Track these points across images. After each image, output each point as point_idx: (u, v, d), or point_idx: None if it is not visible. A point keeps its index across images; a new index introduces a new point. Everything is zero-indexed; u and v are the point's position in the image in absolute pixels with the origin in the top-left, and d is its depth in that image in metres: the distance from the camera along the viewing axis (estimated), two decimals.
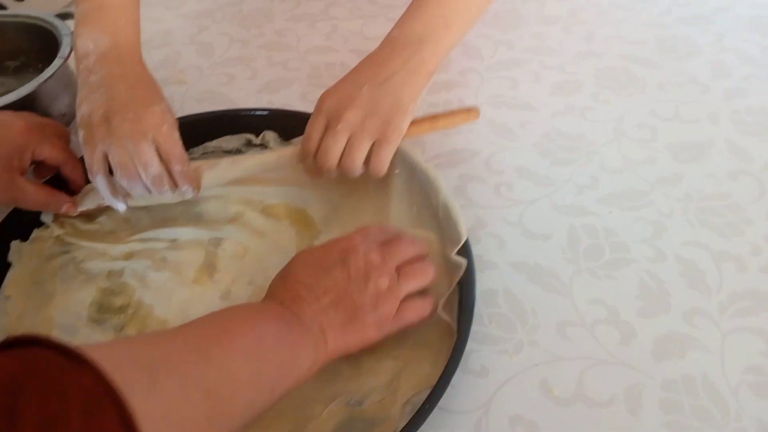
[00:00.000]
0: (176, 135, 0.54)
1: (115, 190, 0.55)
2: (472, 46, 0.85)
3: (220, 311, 0.41)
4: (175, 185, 0.55)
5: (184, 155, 0.55)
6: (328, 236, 0.58)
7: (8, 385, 0.25)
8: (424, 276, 0.49)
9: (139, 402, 0.28)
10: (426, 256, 0.51)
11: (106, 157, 0.53)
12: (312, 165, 0.56)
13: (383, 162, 0.54)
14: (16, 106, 0.62)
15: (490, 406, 0.48)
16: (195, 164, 0.57)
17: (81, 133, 0.53)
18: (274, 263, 0.56)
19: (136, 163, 0.52)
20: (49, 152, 0.57)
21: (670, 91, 0.76)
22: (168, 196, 0.56)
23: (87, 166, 0.54)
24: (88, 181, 0.57)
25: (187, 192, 0.56)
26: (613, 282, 0.56)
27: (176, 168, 0.54)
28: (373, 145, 0.53)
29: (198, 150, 0.67)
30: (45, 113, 0.67)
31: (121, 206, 0.56)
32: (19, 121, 0.56)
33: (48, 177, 0.60)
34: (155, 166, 0.53)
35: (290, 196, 0.62)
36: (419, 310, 0.48)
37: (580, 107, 0.74)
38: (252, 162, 0.59)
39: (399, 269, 0.48)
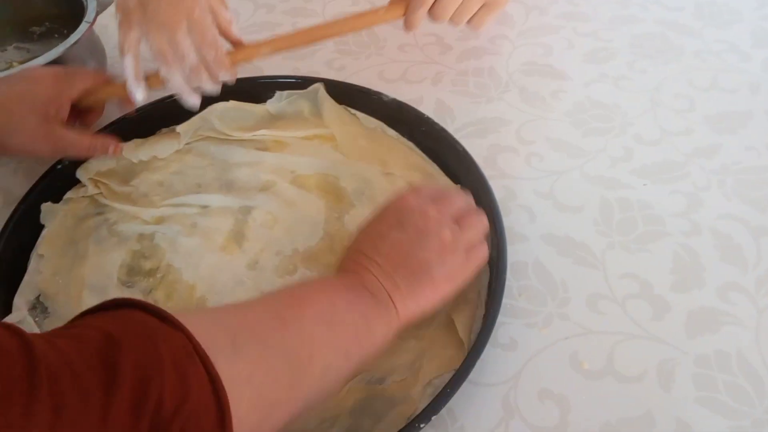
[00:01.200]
0: (208, 19, 0.52)
1: (139, 76, 0.53)
2: (504, 12, 0.82)
3: (292, 285, 0.43)
4: (214, 76, 0.53)
5: (215, 40, 0.52)
6: (361, 211, 0.57)
7: (108, 342, 0.27)
8: (481, 224, 0.49)
9: (223, 365, 0.29)
10: (476, 208, 0.51)
11: (139, 41, 0.52)
12: (417, 17, 0.57)
13: (484, 22, 0.58)
14: None
15: (519, 379, 0.48)
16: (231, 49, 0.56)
17: (118, 17, 0.52)
18: (302, 235, 0.56)
19: (174, 53, 0.51)
20: (82, 85, 0.55)
21: (708, 60, 0.73)
22: (209, 86, 0.54)
23: (119, 46, 0.52)
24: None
25: (224, 77, 0.54)
26: (647, 256, 0.55)
27: (209, 54, 0.52)
28: (481, 8, 0.57)
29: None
30: None
31: (139, 95, 0.54)
32: (47, 71, 0.55)
33: (95, 121, 0.60)
34: (192, 57, 0.51)
35: (323, 166, 0.61)
36: (481, 253, 0.48)
37: (614, 76, 0.72)
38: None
39: (457, 220, 0.48)
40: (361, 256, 0.45)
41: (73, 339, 0.27)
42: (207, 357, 0.29)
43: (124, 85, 0.54)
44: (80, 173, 0.60)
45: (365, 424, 0.45)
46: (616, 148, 0.64)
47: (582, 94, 0.70)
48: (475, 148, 0.60)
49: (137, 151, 0.63)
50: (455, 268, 0.46)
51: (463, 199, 0.50)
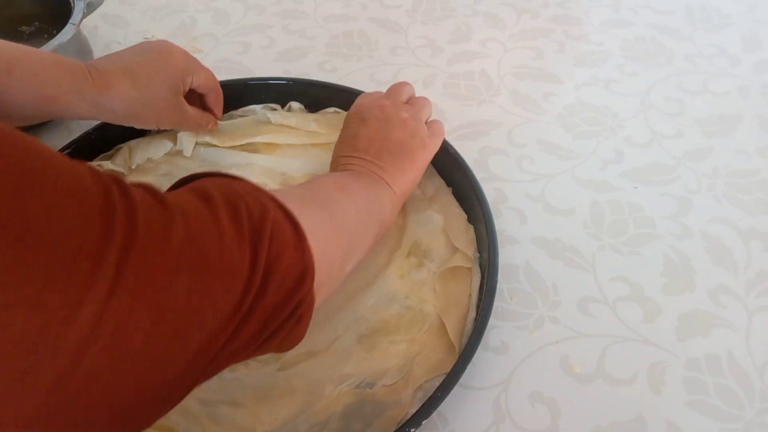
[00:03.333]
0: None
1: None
2: (495, 15, 0.82)
3: (316, 179, 0.48)
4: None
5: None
6: None
7: (190, 185, 0.33)
8: (427, 103, 0.57)
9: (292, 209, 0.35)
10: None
11: None
12: None
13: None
14: None
15: (510, 382, 0.47)
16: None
17: None
18: None
19: None
20: (204, 78, 0.58)
21: (699, 63, 0.74)
22: None
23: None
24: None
25: None
26: (637, 258, 0.55)
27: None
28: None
29: (225, 118, 0.66)
30: None
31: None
32: (177, 47, 0.57)
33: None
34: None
35: (313, 168, 0.61)
36: (441, 124, 0.56)
37: (605, 79, 0.72)
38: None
39: (408, 104, 0.56)
40: (344, 158, 0.51)
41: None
42: (274, 195, 0.35)
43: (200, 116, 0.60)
44: (99, 163, 0.60)
45: (355, 428, 0.44)
46: (607, 150, 0.64)
47: (573, 96, 0.70)
48: (467, 151, 0.60)
49: (131, 157, 0.62)
50: (424, 137, 0.53)
51: (408, 88, 0.57)
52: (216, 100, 0.61)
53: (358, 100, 0.56)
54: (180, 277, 0.27)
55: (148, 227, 0.26)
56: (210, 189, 0.31)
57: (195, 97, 0.60)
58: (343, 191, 0.45)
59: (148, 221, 0.26)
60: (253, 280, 0.30)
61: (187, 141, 0.63)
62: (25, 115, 0.51)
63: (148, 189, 0.28)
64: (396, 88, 0.57)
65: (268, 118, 0.65)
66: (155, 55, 0.55)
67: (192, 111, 0.58)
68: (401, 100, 0.56)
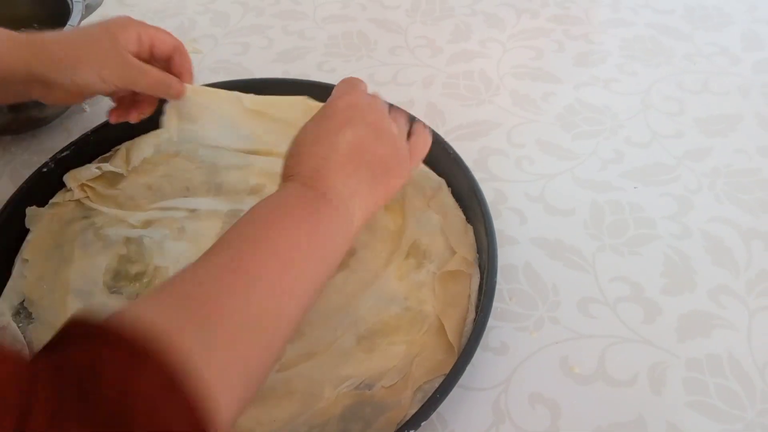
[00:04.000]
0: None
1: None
2: (494, 15, 0.82)
3: (246, 221, 0.39)
4: None
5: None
6: None
7: (82, 374, 0.26)
8: (404, 113, 0.49)
9: (199, 363, 0.28)
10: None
11: None
12: None
13: None
14: None
15: (510, 383, 0.47)
16: None
17: None
18: None
19: None
20: (158, 35, 0.53)
21: (699, 63, 0.73)
22: None
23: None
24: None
25: None
26: (638, 258, 0.54)
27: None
28: None
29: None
30: None
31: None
32: (127, 17, 0.54)
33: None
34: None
35: None
36: (425, 138, 0.48)
37: (605, 79, 0.72)
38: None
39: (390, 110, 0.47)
40: (317, 159, 0.42)
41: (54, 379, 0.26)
42: (182, 385, 0.28)
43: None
44: (67, 179, 0.59)
45: (354, 430, 0.44)
46: (607, 150, 0.64)
47: (572, 96, 0.70)
48: (466, 151, 0.60)
49: (129, 157, 0.62)
50: (406, 159, 0.45)
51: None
52: (181, 62, 0.55)
53: (351, 93, 0.46)
54: None
55: None
56: (99, 392, 0.26)
57: (160, 66, 0.55)
58: (290, 268, 0.37)
59: None
60: None
61: (169, 122, 0.59)
62: None
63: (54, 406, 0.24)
64: (376, 94, 0.48)
65: (243, 103, 0.64)
66: (100, 23, 0.53)
67: (144, 65, 0.52)
68: (383, 102, 0.48)
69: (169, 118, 0.59)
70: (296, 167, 0.43)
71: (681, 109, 0.68)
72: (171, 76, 0.54)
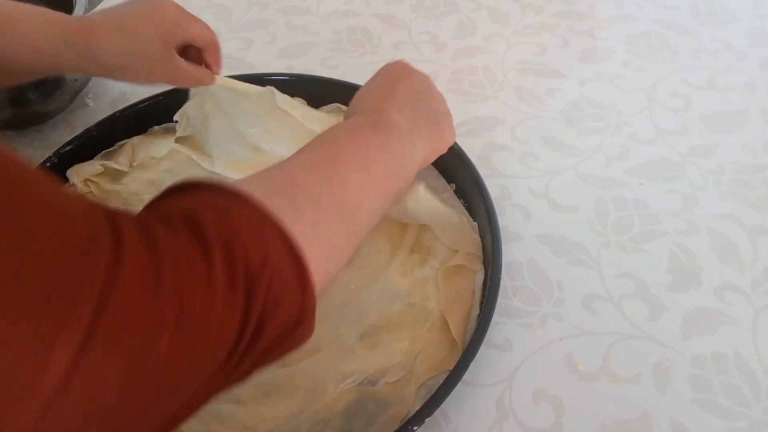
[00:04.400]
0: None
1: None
2: (499, 10, 0.82)
3: (322, 135, 0.42)
4: None
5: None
6: None
7: (189, 215, 0.29)
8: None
9: (288, 225, 0.31)
10: None
11: None
12: None
13: None
14: None
15: (513, 380, 0.47)
16: None
17: None
18: None
19: None
20: (199, 31, 0.55)
21: (704, 59, 0.73)
22: None
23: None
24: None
25: None
26: (643, 255, 0.54)
27: None
28: None
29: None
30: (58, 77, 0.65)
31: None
32: (170, 1, 0.55)
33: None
34: None
35: None
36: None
37: (610, 74, 0.71)
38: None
39: None
40: (380, 102, 0.46)
41: (159, 217, 0.28)
42: (277, 220, 0.31)
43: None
44: (71, 174, 0.59)
45: (357, 426, 0.44)
46: (612, 147, 0.63)
47: (577, 92, 0.70)
48: (470, 147, 0.59)
49: (134, 154, 0.62)
50: (452, 124, 0.49)
51: None
52: (214, 56, 0.58)
53: (404, 62, 0.51)
54: (161, 333, 0.24)
55: (133, 276, 0.24)
56: (207, 224, 0.28)
57: (193, 54, 0.57)
58: (365, 171, 0.40)
59: (135, 269, 0.24)
60: (243, 336, 0.28)
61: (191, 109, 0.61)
62: (12, 70, 0.49)
63: (143, 231, 0.26)
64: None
65: (275, 99, 0.64)
66: (144, 7, 0.53)
67: (187, 66, 0.55)
68: None
69: (193, 104, 0.61)
70: (363, 109, 0.46)
71: (687, 105, 0.67)
72: (204, 69, 0.57)
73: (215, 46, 0.57)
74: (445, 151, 0.48)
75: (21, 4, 0.50)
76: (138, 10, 0.53)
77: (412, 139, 0.44)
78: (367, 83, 0.49)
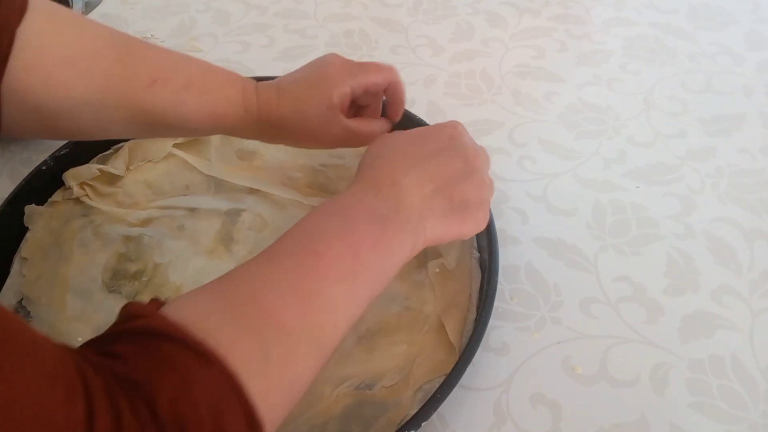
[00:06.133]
0: None
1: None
2: (496, 14, 0.82)
3: (306, 222, 0.38)
4: None
5: None
6: None
7: (143, 380, 0.26)
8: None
9: (255, 382, 0.29)
10: None
11: None
12: None
13: None
14: None
15: (511, 384, 0.47)
16: None
17: None
18: None
19: None
20: (372, 79, 0.50)
21: (702, 63, 0.73)
22: None
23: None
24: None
25: None
26: (640, 259, 0.54)
27: None
28: None
29: None
30: None
31: None
32: (337, 57, 0.52)
33: (372, 117, 0.54)
34: None
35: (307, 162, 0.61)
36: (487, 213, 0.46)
37: (607, 78, 0.72)
38: None
39: None
40: (400, 172, 0.41)
41: (121, 382, 0.27)
42: (241, 389, 0.28)
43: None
44: (67, 177, 0.59)
45: (354, 430, 0.44)
46: (609, 150, 0.63)
47: (575, 96, 0.70)
48: None
49: (131, 158, 0.62)
50: (483, 214, 0.44)
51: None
52: (394, 98, 0.53)
53: (457, 126, 0.46)
54: None
55: None
56: (162, 402, 0.26)
57: (374, 106, 0.53)
58: (350, 282, 0.36)
59: None
60: None
61: None
62: (193, 129, 0.49)
63: (111, 402, 0.25)
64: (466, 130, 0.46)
65: None
66: (313, 68, 0.51)
67: (356, 126, 0.50)
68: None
69: None
70: (375, 172, 0.42)
71: (684, 108, 0.67)
72: (376, 122, 0.53)
73: (395, 87, 0.52)
74: (464, 237, 0.44)
75: (212, 67, 0.49)
76: (306, 73, 0.51)
77: (419, 225, 0.40)
78: (399, 138, 0.44)
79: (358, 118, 0.52)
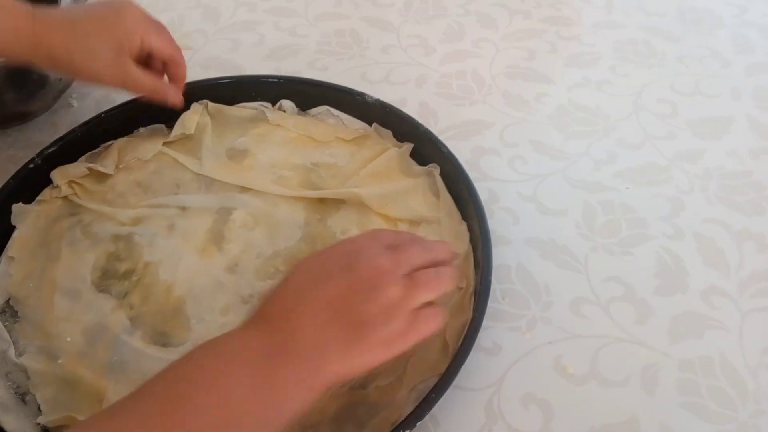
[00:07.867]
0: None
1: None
2: (487, 15, 0.82)
3: (184, 362, 0.35)
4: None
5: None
6: (345, 213, 0.57)
7: None
8: (438, 284, 0.40)
9: None
10: (445, 261, 0.42)
11: None
12: None
13: None
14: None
15: (502, 383, 0.47)
16: None
17: None
18: (283, 236, 0.55)
19: None
20: (158, 43, 0.55)
21: (690, 65, 0.74)
22: None
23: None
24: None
25: None
26: (630, 259, 0.54)
27: None
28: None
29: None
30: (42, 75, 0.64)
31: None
32: (135, 6, 0.55)
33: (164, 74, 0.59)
34: None
35: (304, 158, 0.62)
36: (432, 322, 0.39)
37: (597, 80, 0.72)
38: None
39: (411, 276, 0.39)
40: (294, 300, 0.38)
41: None
42: None
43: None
44: (55, 175, 0.58)
45: (348, 430, 0.44)
46: (599, 151, 0.64)
47: (565, 97, 0.70)
48: (459, 151, 0.59)
49: (120, 157, 0.61)
50: (394, 334, 0.38)
51: (426, 252, 0.41)
52: (175, 72, 0.57)
53: (359, 239, 0.42)
54: None
55: None
56: None
57: (158, 66, 0.57)
58: (213, 423, 0.33)
59: None
60: None
61: (191, 119, 0.63)
62: None
63: None
64: (410, 249, 0.41)
65: (266, 116, 0.64)
66: (104, 9, 0.53)
67: (140, 74, 0.54)
68: (408, 268, 0.39)
69: (193, 112, 0.63)
70: (270, 304, 0.39)
71: (673, 110, 0.68)
72: (165, 85, 0.57)
73: (175, 61, 0.57)
74: (371, 368, 0.38)
75: None
76: (96, 11, 0.53)
77: (317, 359, 0.36)
78: (302, 264, 0.40)
79: (146, 70, 0.55)
